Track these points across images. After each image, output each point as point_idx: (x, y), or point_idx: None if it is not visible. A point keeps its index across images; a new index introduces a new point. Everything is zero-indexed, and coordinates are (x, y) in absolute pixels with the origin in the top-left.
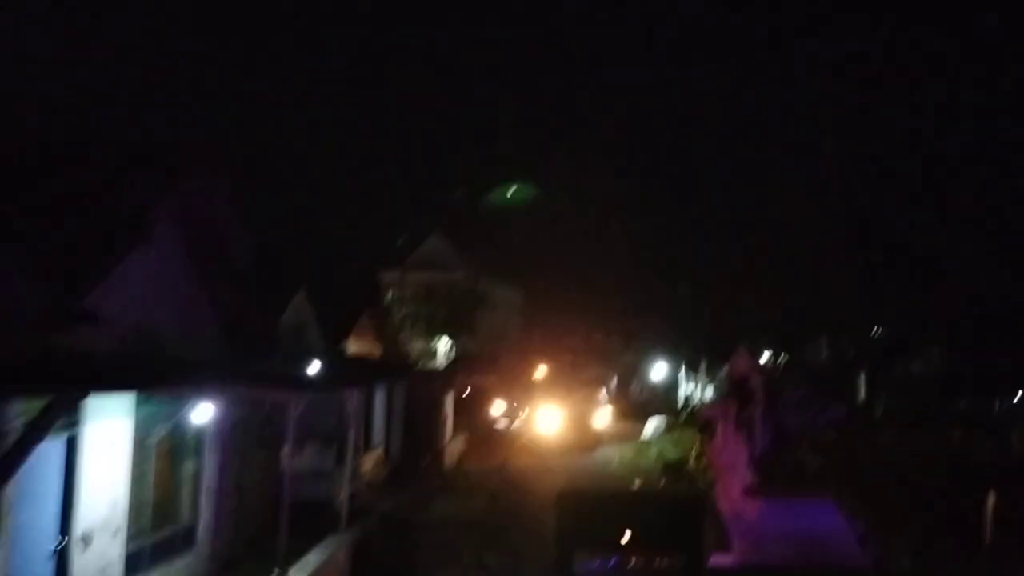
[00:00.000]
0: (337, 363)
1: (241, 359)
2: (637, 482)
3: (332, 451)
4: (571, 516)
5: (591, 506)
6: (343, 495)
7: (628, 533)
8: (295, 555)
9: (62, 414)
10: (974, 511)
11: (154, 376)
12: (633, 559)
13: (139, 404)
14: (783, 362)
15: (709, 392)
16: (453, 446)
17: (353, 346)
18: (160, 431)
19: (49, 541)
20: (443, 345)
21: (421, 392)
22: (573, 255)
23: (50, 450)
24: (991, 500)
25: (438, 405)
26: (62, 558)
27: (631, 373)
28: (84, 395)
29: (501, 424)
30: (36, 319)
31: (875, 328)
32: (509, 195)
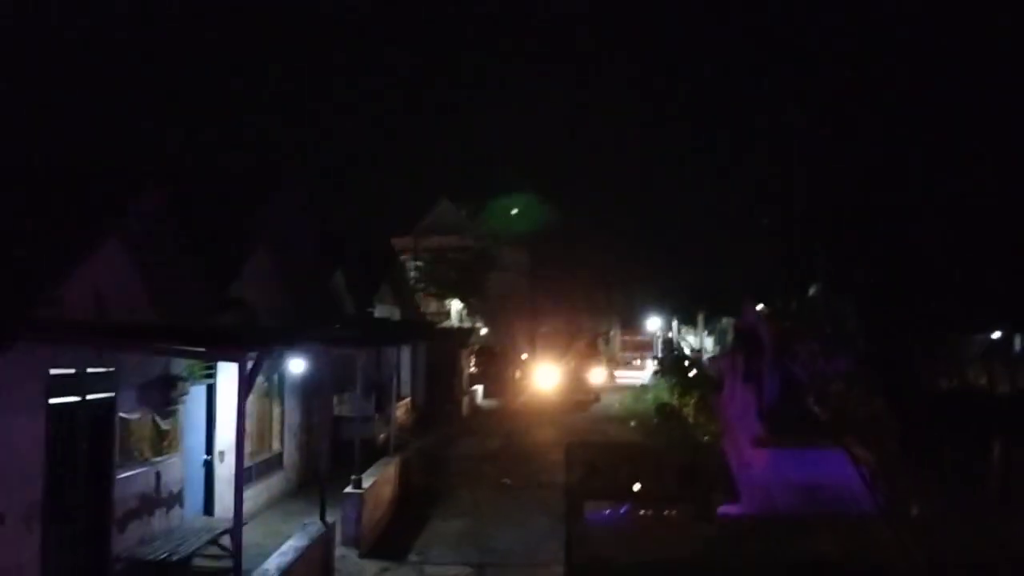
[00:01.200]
0: (371, 325)
1: (310, 324)
2: (632, 423)
3: (371, 400)
4: (581, 468)
5: (601, 458)
6: (383, 435)
7: (638, 484)
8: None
9: (262, 367)
10: (982, 458)
11: (291, 339)
12: (643, 509)
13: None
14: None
15: (708, 342)
16: (469, 397)
17: (378, 310)
18: (260, 381)
19: (201, 455)
20: (456, 305)
21: (440, 349)
22: (575, 217)
23: (198, 393)
24: (997, 447)
25: (455, 361)
26: (208, 466)
27: (632, 326)
28: (275, 352)
29: (510, 378)
30: (202, 305)
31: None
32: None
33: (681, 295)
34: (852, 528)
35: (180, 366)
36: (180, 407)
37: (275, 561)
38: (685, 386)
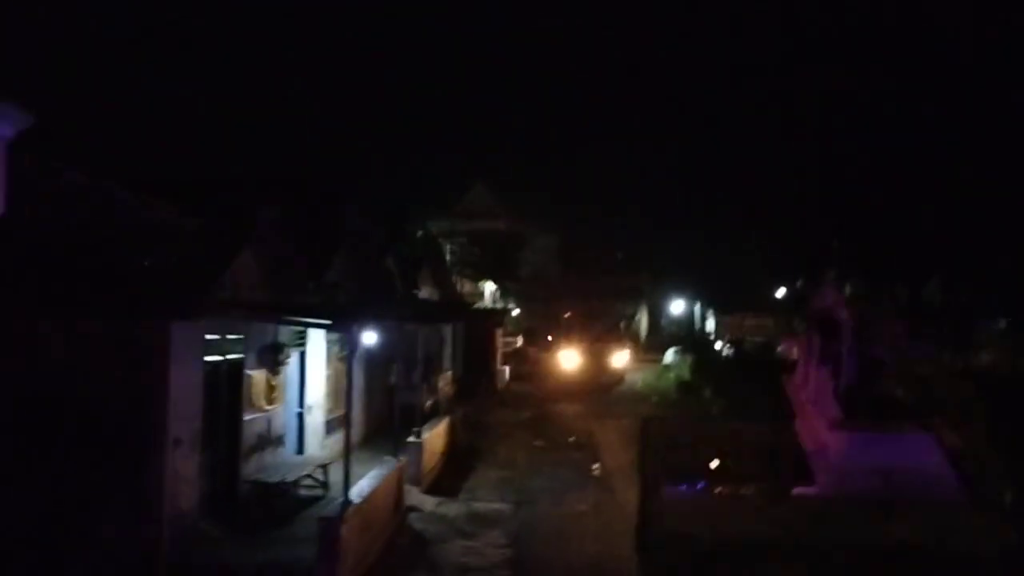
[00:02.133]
0: (419, 305)
1: (374, 304)
2: (654, 399)
3: (419, 371)
4: (658, 444)
5: (678, 435)
6: (429, 402)
7: (716, 462)
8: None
9: (355, 338)
10: None
11: (378, 316)
12: (719, 488)
13: (331, 334)
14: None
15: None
16: (502, 372)
17: (421, 292)
18: (336, 348)
19: (295, 408)
20: (489, 286)
21: (476, 328)
22: (604, 202)
23: (293, 358)
24: None
25: (490, 339)
26: (301, 417)
27: (657, 309)
28: (371, 327)
29: (539, 357)
30: (304, 288)
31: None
32: None
33: (707, 281)
34: (938, 513)
35: (285, 335)
36: (284, 368)
37: (366, 483)
38: (702, 364)
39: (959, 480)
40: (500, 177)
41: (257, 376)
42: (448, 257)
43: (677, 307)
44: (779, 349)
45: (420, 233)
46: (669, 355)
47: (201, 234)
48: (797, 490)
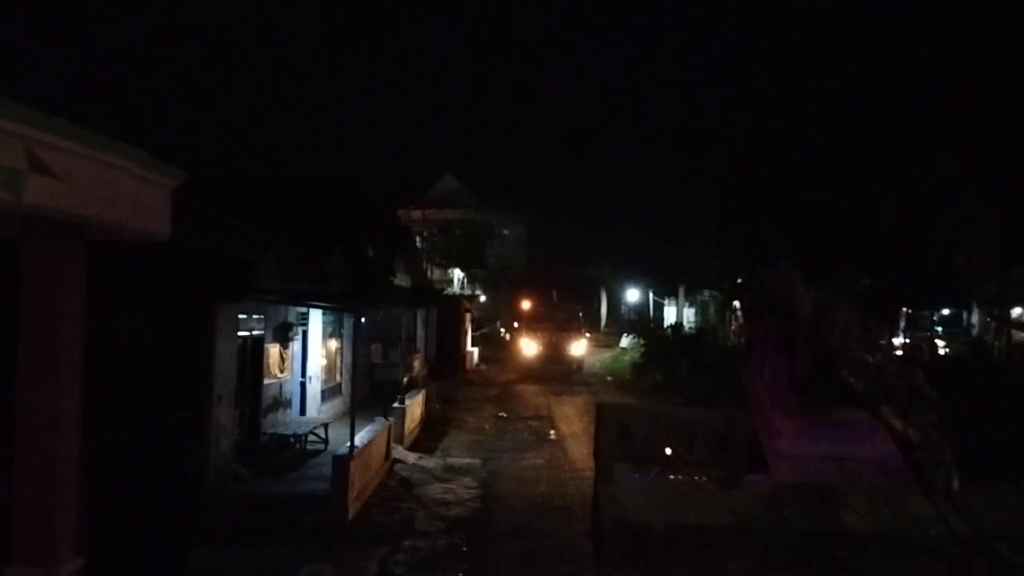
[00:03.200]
0: (396, 292)
1: (360, 289)
2: (609, 378)
3: (397, 350)
4: (612, 430)
5: (632, 422)
6: (405, 378)
7: (669, 449)
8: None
9: (356, 319)
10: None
11: (368, 300)
12: (672, 475)
13: (324, 313)
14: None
15: (689, 313)
16: (471, 355)
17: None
18: (330, 329)
19: (299, 377)
20: (457, 273)
21: (446, 313)
22: (568, 193)
23: (298, 334)
24: None
25: (459, 323)
26: (303, 385)
27: (615, 298)
28: (373, 308)
29: (504, 342)
30: (309, 275)
31: None
32: None
33: (661, 270)
34: (887, 500)
35: (292, 316)
36: (292, 343)
37: (364, 435)
38: (651, 348)
39: (908, 467)
40: (468, 168)
41: (273, 350)
42: (419, 245)
43: (633, 295)
44: (732, 330)
45: (394, 222)
46: (625, 340)
47: (236, 231)
48: (749, 477)
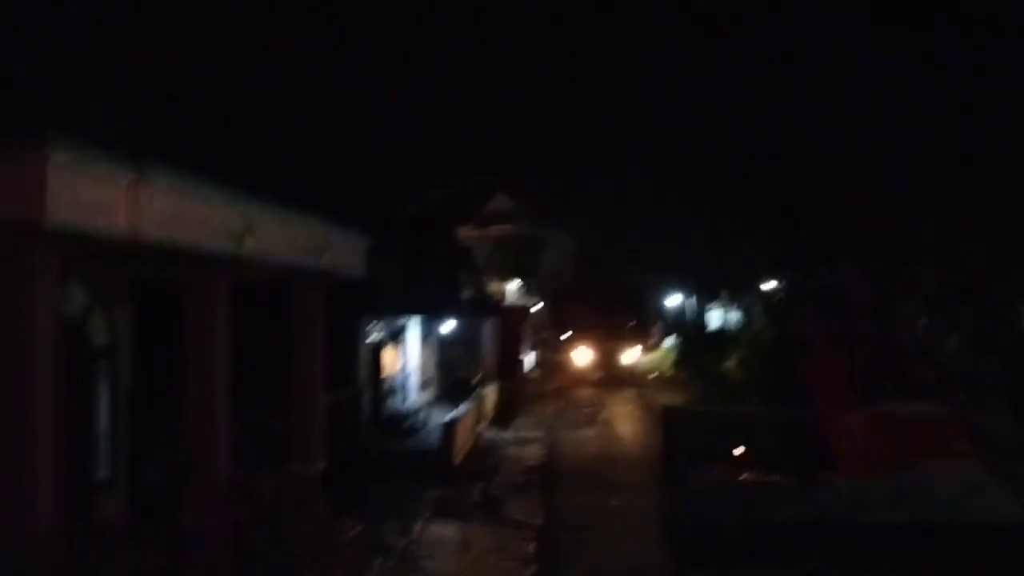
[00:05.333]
0: (464, 304)
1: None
2: (653, 375)
3: (469, 353)
4: (679, 432)
5: (701, 423)
6: (476, 376)
7: (740, 449)
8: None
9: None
10: None
11: (452, 312)
12: (744, 474)
13: (420, 323)
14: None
15: (735, 315)
16: (528, 360)
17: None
18: (423, 335)
19: (403, 373)
20: (514, 285)
21: (507, 322)
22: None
23: (403, 339)
24: None
25: (518, 331)
26: (406, 381)
27: (660, 302)
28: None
29: (560, 349)
30: (407, 291)
31: None
32: None
33: (707, 274)
34: (963, 491)
35: (398, 324)
36: (400, 346)
37: (460, 410)
38: (687, 346)
39: (981, 456)
40: (520, 185)
41: (388, 351)
42: (481, 259)
43: (677, 300)
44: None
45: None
46: (668, 341)
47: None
48: (822, 476)
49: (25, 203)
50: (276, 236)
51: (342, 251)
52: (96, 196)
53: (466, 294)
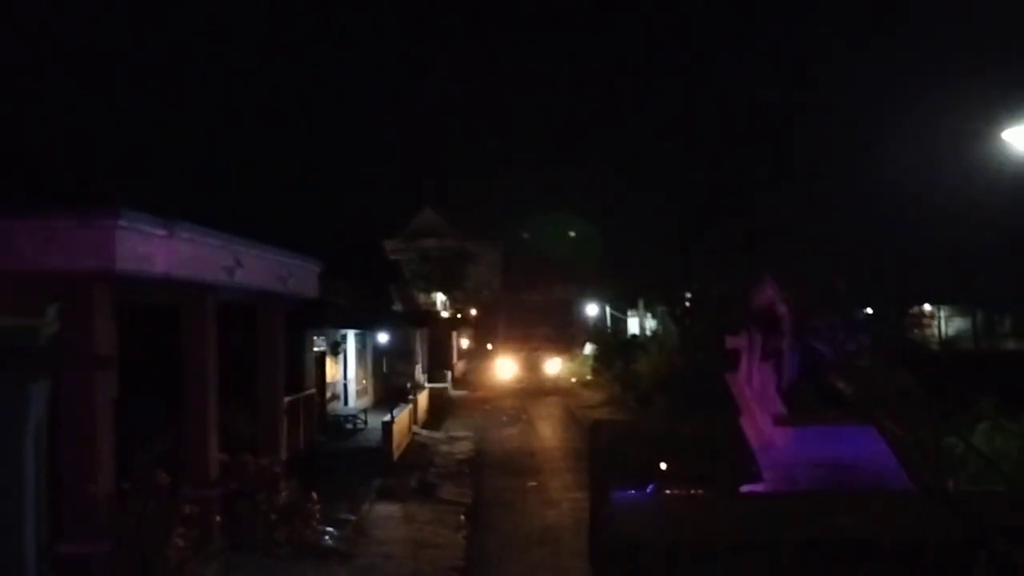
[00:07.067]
0: (395, 315)
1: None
2: (573, 380)
3: (401, 362)
4: (606, 448)
5: (625, 439)
6: (408, 383)
7: (664, 464)
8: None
9: (375, 337)
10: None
11: (388, 323)
12: (668, 489)
13: (356, 334)
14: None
15: (651, 323)
16: (457, 367)
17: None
18: (359, 345)
19: (342, 379)
20: (440, 297)
21: (437, 332)
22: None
23: (342, 349)
24: None
25: (447, 340)
26: (345, 385)
27: (583, 312)
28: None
29: (486, 358)
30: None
31: None
32: None
33: (625, 284)
34: (884, 504)
35: (338, 336)
36: (340, 356)
37: (397, 412)
38: (604, 352)
39: (903, 470)
40: (445, 200)
41: (330, 360)
42: (408, 272)
43: (596, 310)
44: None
45: (384, 255)
46: (587, 348)
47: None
48: (745, 488)
49: (100, 256)
50: (256, 268)
51: (302, 276)
52: (144, 249)
53: (397, 307)
